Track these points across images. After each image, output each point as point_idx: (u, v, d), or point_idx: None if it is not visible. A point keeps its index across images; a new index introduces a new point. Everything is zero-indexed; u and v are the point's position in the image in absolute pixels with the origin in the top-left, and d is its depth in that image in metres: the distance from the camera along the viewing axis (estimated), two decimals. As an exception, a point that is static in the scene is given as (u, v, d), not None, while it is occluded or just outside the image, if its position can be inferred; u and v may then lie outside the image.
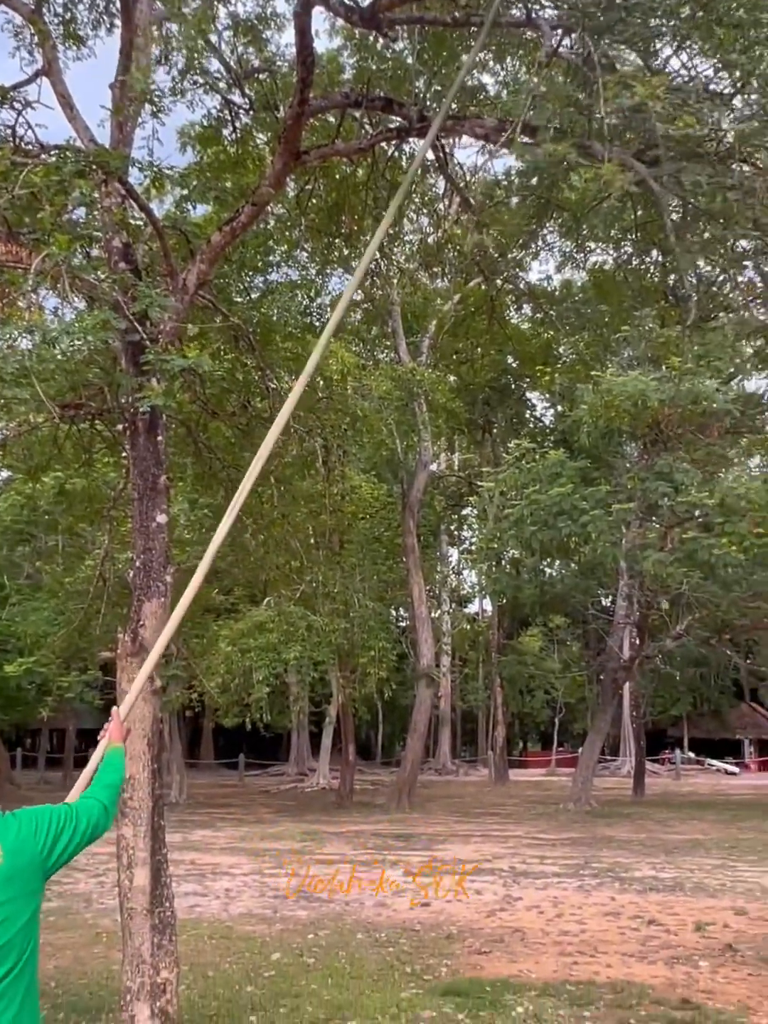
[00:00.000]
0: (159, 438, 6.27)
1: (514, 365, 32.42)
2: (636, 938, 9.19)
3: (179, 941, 9.15)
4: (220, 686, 21.12)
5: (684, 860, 15.09)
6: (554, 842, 17.93)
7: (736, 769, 50.57)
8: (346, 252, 11.87)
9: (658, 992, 7.12)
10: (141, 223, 7.10)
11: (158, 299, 5.58)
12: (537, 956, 8.41)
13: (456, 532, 49.35)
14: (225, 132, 9.28)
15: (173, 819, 22.31)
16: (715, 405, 19.32)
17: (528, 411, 36.71)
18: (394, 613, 48.89)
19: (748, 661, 45.89)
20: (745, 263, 8.90)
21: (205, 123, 9.35)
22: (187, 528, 15.61)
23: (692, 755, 53.74)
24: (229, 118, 8.92)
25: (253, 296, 11.03)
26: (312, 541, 17.82)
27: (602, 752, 40.90)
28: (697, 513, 17.41)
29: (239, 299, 10.07)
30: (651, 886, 12.39)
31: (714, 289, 14.39)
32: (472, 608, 59.16)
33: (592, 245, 20.11)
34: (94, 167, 5.85)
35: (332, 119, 8.48)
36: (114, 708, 3.41)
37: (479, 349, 29.45)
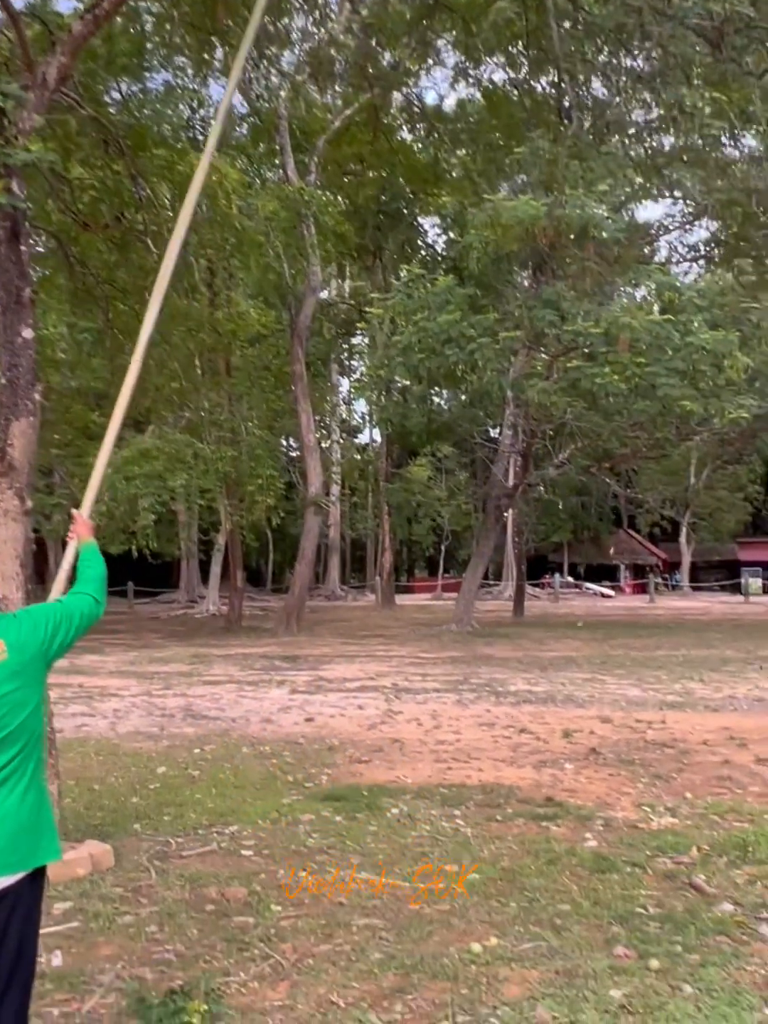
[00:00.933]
0: (22, 248, 5.90)
1: (405, 188, 31.54)
2: (508, 745, 9.69)
3: (67, 759, 9.32)
4: (105, 514, 20.91)
5: (557, 675, 15.87)
6: (435, 661, 18.63)
7: (611, 592, 52.98)
8: (227, 50, 11.17)
9: (525, 792, 7.56)
10: (-5, 9, 6.51)
11: (6, 87, 5.14)
12: (414, 764, 8.81)
13: (347, 362, 48.96)
14: None
15: (61, 645, 22.38)
16: (604, 234, 19.18)
17: (420, 238, 35.99)
18: (284, 443, 48.72)
19: (627, 490, 47.50)
20: (638, 85, 8.67)
21: None
22: (66, 350, 15.06)
23: (571, 579, 56.04)
24: None
25: (130, 104, 10.37)
26: (197, 365, 17.43)
27: (485, 577, 42.27)
28: (582, 342, 17.51)
29: (113, 108, 9.45)
30: (525, 699, 13.03)
31: (608, 112, 14.08)
32: (362, 439, 59.45)
33: (486, 60, 19.37)
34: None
35: None
36: (75, 510, 3.76)
37: (368, 169, 28.48)
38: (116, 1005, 3.78)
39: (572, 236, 15.48)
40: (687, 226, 24.01)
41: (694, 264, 26.75)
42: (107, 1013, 3.72)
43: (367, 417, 50.80)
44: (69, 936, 4.58)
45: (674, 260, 26.68)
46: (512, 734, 10.31)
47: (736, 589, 51.04)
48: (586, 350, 18.19)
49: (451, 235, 29.11)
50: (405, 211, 33.77)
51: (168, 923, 4.73)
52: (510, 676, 15.76)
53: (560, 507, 44.85)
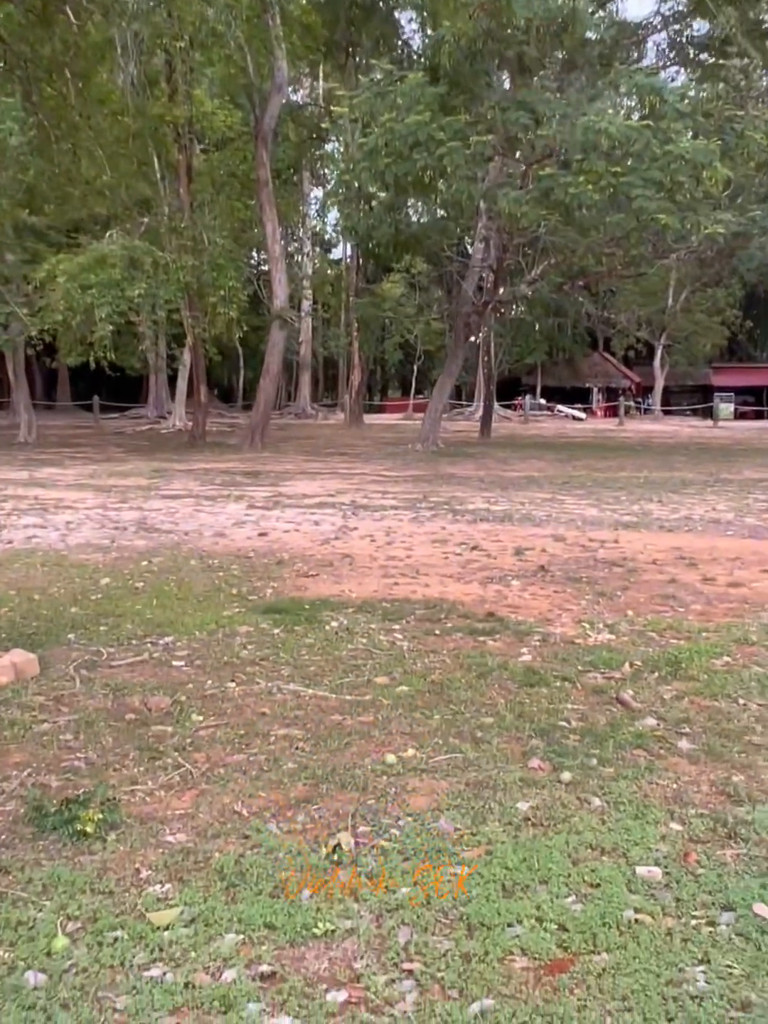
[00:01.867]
0: None
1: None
2: (458, 562, 9.64)
3: (11, 570, 9.23)
4: (61, 324, 20.27)
5: (516, 494, 15.82)
6: (397, 479, 18.54)
7: (582, 415, 52.93)
8: None
9: (467, 607, 7.53)
10: None
11: None
12: (361, 578, 8.75)
13: (320, 171, 46.98)
14: None
15: (21, 458, 22.17)
16: (590, 34, 18.07)
17: (396, 36, 33.90)
18: (255, 256, 47.27)
19: (602, 311, 46.73)
20: None
21: None
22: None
23: (543, 402, 55.82)
24: None
25: None
26: (149, 162, 16.40)
27: (458, 398, 41.85)
28: (559, 148, 16.61)
29: None
30: (481, 517, 12.97)
31: None
32: (337, 254, 57.78)
33: None
34: None
35: None
36: None
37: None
38: (14, 813, 3.71)
39: (507, 20, 14.41)
40: (675, 26, 22.53)
41: (682, 68, 25.33)
42: (3, 820, 3.65)
43: (339, 227, 49.14)
44: (-20, 744, 4.51)
45: (662, 64, 25.24)
46: (463, 551, 10.26)
47: (708, 414, 51.07)
48: (561, 158, 17.32)
49: (427, 31, 27.37)
50: (380, 4, 31.69)
51: (84, 731, 4.67)
52: (470, 495, 15.70)
53: (536, 328, 44.15)
